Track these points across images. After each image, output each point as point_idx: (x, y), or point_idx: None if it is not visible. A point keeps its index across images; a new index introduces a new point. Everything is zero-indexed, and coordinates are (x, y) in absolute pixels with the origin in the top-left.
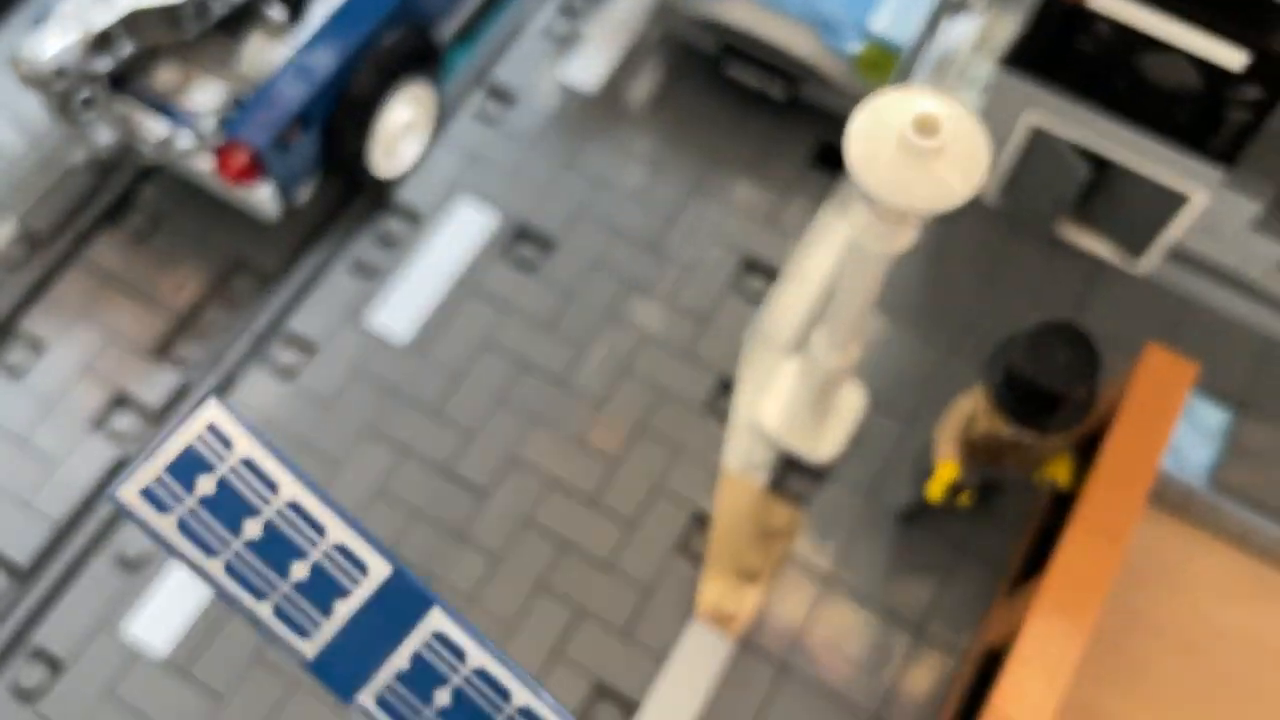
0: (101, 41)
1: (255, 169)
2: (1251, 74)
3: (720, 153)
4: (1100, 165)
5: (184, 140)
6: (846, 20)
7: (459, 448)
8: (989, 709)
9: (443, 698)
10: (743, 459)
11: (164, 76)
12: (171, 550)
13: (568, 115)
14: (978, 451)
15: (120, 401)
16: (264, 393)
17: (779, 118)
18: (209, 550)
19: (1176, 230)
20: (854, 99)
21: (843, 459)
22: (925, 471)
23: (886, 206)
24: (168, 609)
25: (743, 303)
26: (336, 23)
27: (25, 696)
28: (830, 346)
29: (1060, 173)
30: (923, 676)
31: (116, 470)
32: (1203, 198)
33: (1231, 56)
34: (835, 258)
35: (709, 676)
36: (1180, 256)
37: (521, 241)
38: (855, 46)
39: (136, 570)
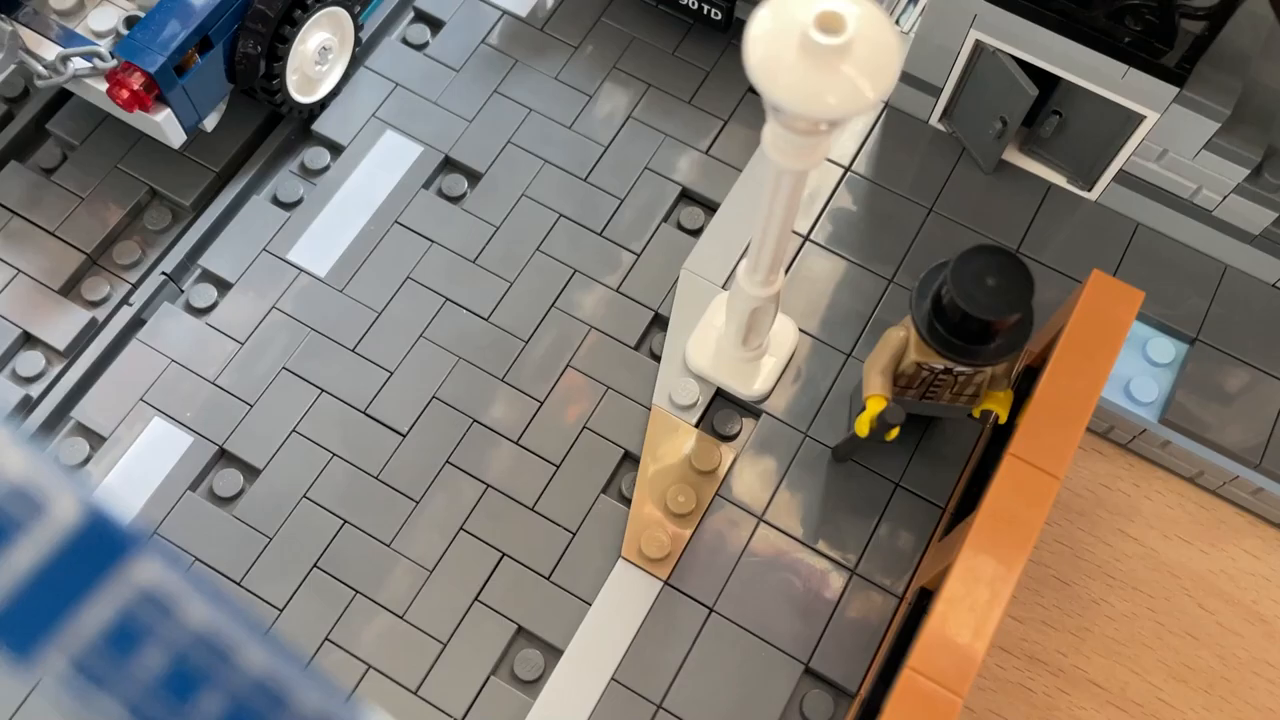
0: None
1: (150, 95)
2: None
3: (657, 79)
4: (1049, 84)
5: (77, 64)
6: None
7: (378, 386)
8: (907, 663)
9: (152, 661)
10: (672, 396)
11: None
12: None
13: (497, 40)
14: (909, 385)
15: (27, 340)
16: (176, 331)
17: (717, 41)
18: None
19: (1130, 152)
20: None
21: (776, 394)
22: (857, 407)
23: (792, 114)
24: None
25: (679, 235)
26: None
27: None
28: (754, 275)
29: (1009, 91)
30: (858, 617)
31: (24, 414)
32: (1155, 117)
33: None
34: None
35: (636, 618)
36: (1134, 181)
37: (447, 171)
38: None
39: None
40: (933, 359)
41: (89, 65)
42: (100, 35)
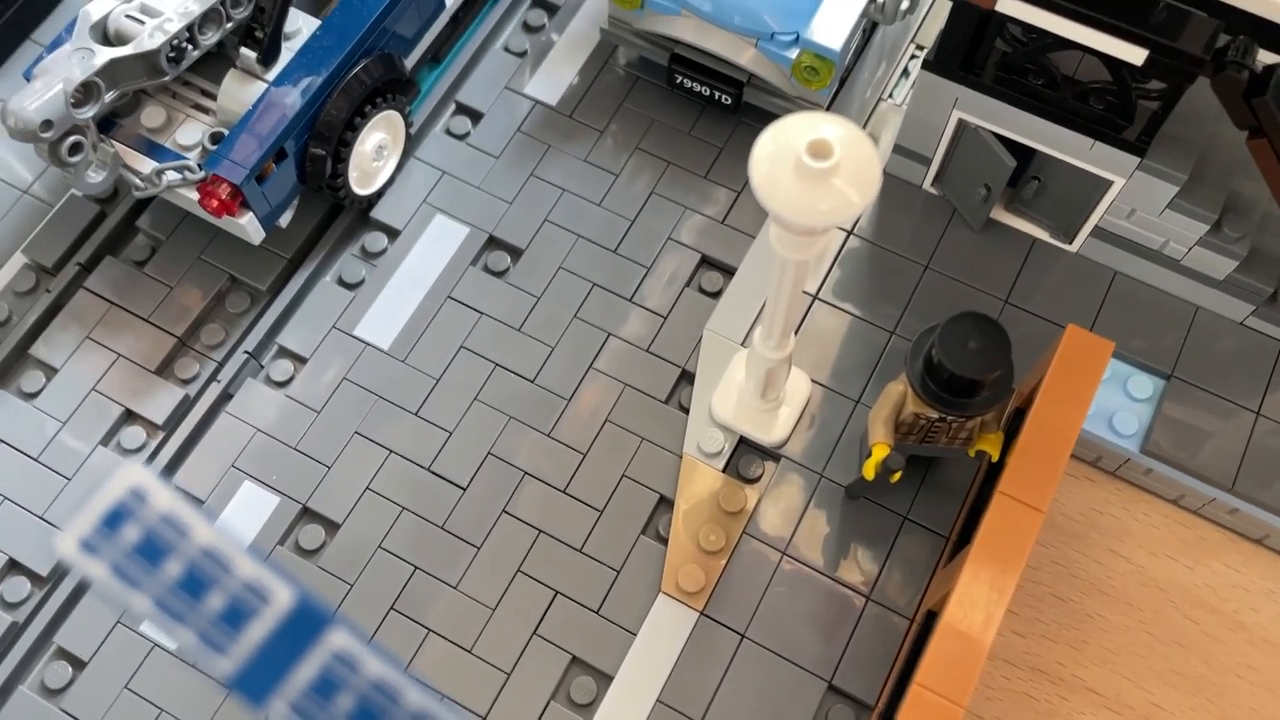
0: (84, 91)
1: (236, 201)
2: (1151, 67)
3: (675, 157)
4: (1027, 151)
5: (170, 176)
6: (783, 30)
7: (439, 445)
8: (915, 679)
9: (345, 704)
10: (701, 445)
11: (150, 116)
12: (104, 592)
13: (531, 128)
14: (910, 431)
15: (129, 417)
16: (260, 403)
17: (727, 122)
18: (137, 587)
19: (1102, 212)
20: (794, 101)
21: (793, 439)
22: (868, 451)
23: (788, 221)
24: None
25: (701, 298)
26: (304, 58)
27: (52, 694)
28: (767, 340)
29: (990, 162)
30: (875, 638)
31: None
32: (1121, 182)
33: (1132, 52)
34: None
35: (676, 646)
36: (1109, 236)
37: (491, 249)
38: (792, 54)
39: None
40: (927, 410)
41: (180, 177)
42: (187, 148)
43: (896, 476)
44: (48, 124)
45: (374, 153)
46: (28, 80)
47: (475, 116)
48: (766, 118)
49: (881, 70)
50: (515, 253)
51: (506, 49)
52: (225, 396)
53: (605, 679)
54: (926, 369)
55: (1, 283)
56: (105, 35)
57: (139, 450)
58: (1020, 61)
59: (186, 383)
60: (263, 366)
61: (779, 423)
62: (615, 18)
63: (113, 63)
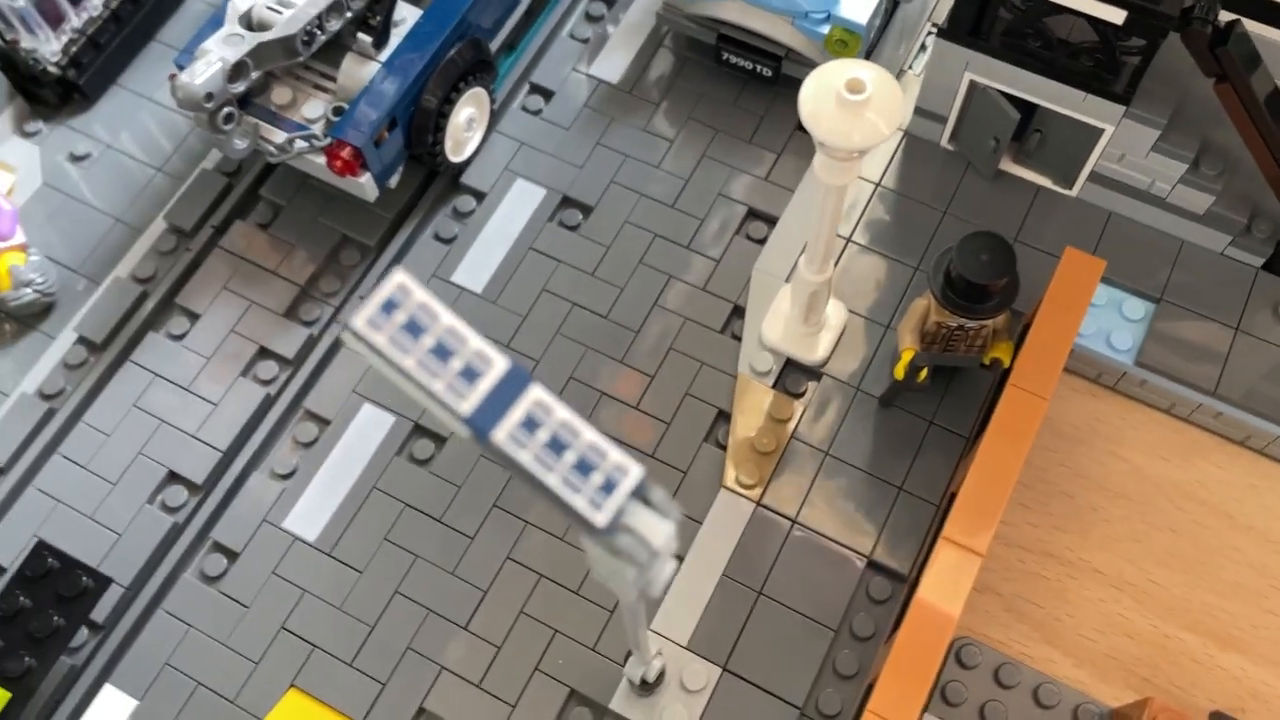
0: (237, 70)
1: (357, 162)
2: (1131, 27)
3: (722, 125)
4: (1029, 108)
5: (299, 144)
6: (815, 9)
7: (529, 369)
8: (942, 534)
9: (543, 436)
10: (752, 365)
11: (279, 94)
12: (382, 354)
13: (596, 103)
14: (933, 341)
15: (262, 353)
16: None
17: (769, 93)
18: (405, 352)
19: (1096, 158)
20: None
21: (833, 360)
22: (896, 360)
23: (832, 147)
24: (312, 507)
25: (748, 244)
26: (409, 44)
27: (209, 580)
28: (810, 266)
29: (997, 117)
30: (907, 520)
31: (266, 406)
32: (1111, 130)
33: (1113, 13)
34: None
35: (736, 531)
36: (1104, 180)
37: (565, 207)
38: (824, 29)
39: (285, 479)
40: (948, 318)
41: (307, 145)
42: (311, 121)
43: (923, 375)
44: (209, 96)
45: (465, 124)
46: (180, 67)
47: (547, 95)
48: (800, 86)
49: (903, 47)
50: (586, 210)
51: (572, 36)
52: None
53: (677, 560)
54: (946, 281)
55: (147, 244)
56: (250, 23)
57: (273, 381)
58: (1020, 27)
59: (309, 324)
60: None
61: (820, 345)
62: (669, 3)
63: (259, 45)
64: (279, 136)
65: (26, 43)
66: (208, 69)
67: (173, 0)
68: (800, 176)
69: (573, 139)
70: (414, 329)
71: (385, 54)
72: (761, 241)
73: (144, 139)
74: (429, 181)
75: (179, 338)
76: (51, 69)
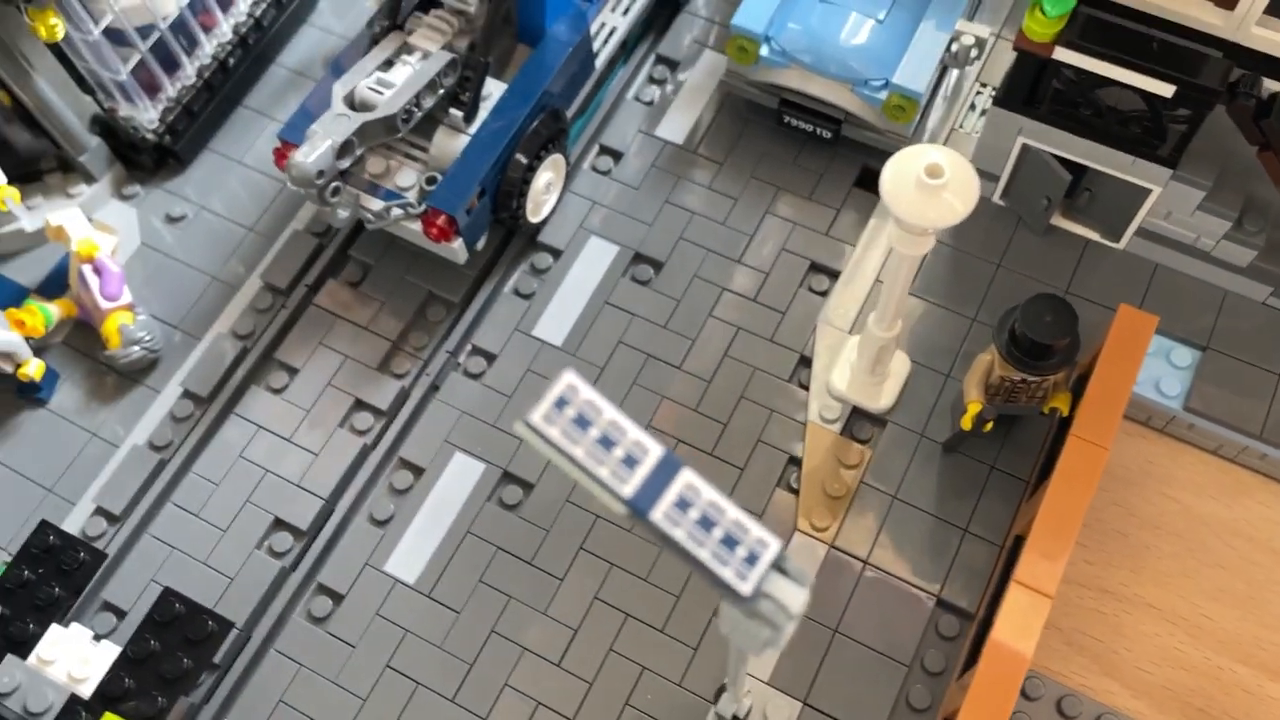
0: (344, 148)
1: (452, 229)
2: (1179, 99)
3: (783, 182)
4: (1080, 168)
5: (395, 211)
6: (874, 76)
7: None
8: (1014, 577)
9: (694, 514)
10: (821, 413)
11: (373, 165)
12: (556, 445)
13: (662, 163)
14: (996, 393)
15: (358, 405)
16: (462, 391)
17: (826, 152)
18: (575, 443)
19: (1143, 215)
20: (884, 134)
21: (897, 408)
22: (960, 411)
23: (910, 225)
24: (411, 551)
25: (811, 296)
26: (496, 117)
27: (317, 621)
28: (880, 324)
29: (1049, 178)
30: (971, 563)
31: (363, 455)
32: (1158, 190)
33: (1162, 88)
34: (877, 260)
35: (811, 572)
36: (1150, 235)
37: (637, 263)
38: (882, 95)
39: (383, 525)
40: (1011, 373)
41: (402, 212)
42: (404, 189)
43: (989, 426)
44: (320, 173)
45: (544, 188)
46: (281, 140)
47: (616, 155)
48: (858, 147)
49: (953, 107)
50: (657, 265)
51: (637, 99)
52: (433, 387)
53: None
54: (1010, 338)
55: (244, 302)
56: (353, 103)
57: (368, 431)
58: (1072, 96)
59: (400, 377)
60: (459, 363)
61: (885, 393)
62: (732, 70)
63: (364, 125)
64: (376, 205)
65: (125, 111)
66: (318, 149)
67: (257, 69)
68: (858, 231)
69: (642, 197)
70: (582, 422)
71: (473, 126)
72: (823, 294)
73: (234, 200)
74: (508, 240)
75: (279, 391)
76: (149, 136)
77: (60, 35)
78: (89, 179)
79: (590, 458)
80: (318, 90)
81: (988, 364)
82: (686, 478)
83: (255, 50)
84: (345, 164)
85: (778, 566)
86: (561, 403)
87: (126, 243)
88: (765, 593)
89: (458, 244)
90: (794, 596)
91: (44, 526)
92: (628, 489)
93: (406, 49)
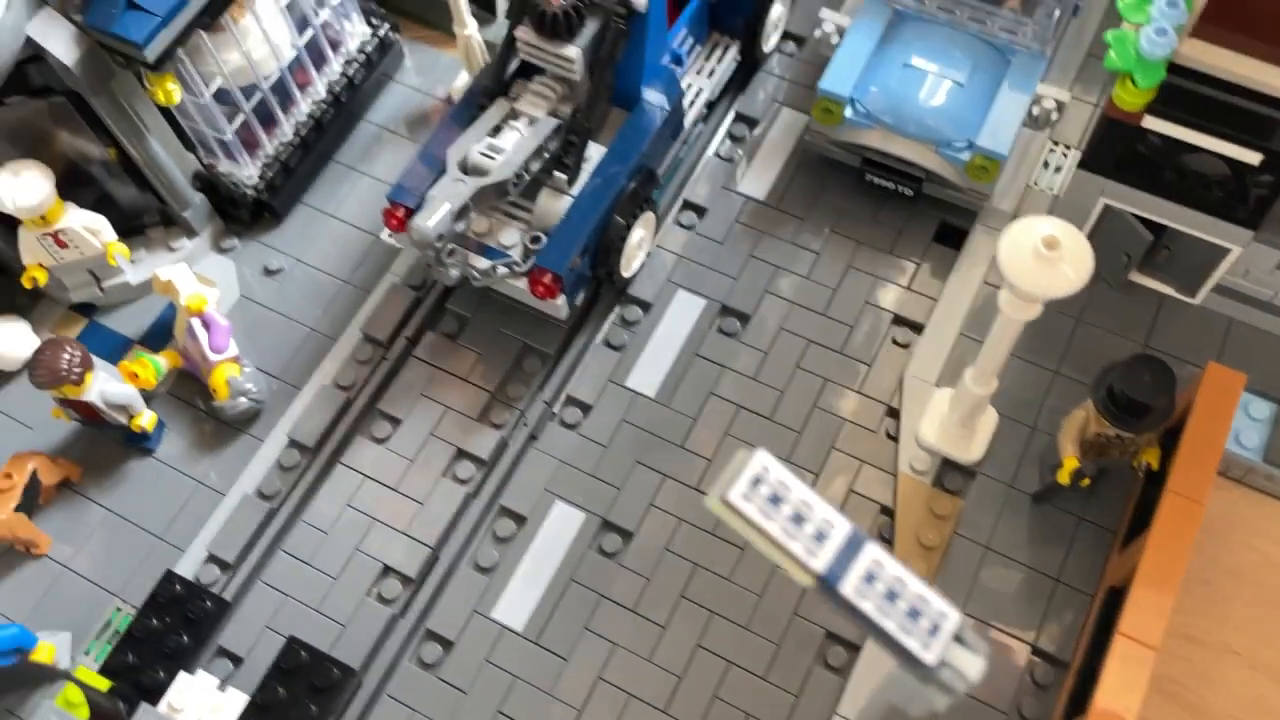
0: (460, 211)
1: (558, 287)
2: (1264, 166)
3: (864, 237)
4: (1159, 227)
5: (501, 270)
6: (957, 137)
7: (701, 469)
8: (1119, 630)
9: (880, 587)
10: (912, 464)
11: (478, 224)
12: (752, 522)
13: (745, 218)
14: (1090, 447)
15: (460, 454)
16: (559, 441)
17: (906, 208)
18: (769, 519)
19: (1222, 272)
20: (965, 192)
21: (985, 459)
22: (1051, 465)
23: (1025, 294)
24: (517, 598)
25: (896, 349)
26: (597, 179)
27: (427, 667)
28: (977, 381)
29: (1130, 236)
30: (1064, 612)
31: (466, 504)
32: (1238, 250)
33: (1250, 156)
34: (960, 316)
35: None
36: (1227, 291)
37: (724, 315)
38: (965, 156)
39: (488, 572)
40: (1106, 429)
41: (508, 270)
42: (508, 247)
43: (1086, 482)
44: (440, 236)
45: (637, 244)
46: (391, 201)
47: (700, 211)
48: (937, 204)
49: (1031, 167)
50: (744, 318)
51: (719, 155)
52: (531, 437)
53: (854, 648)
54: (1109, 396)
55: (345, 353)
56: (465, 168)
57: (469, 480)
58: (1157, 160)
59: (499, 427)
60: (555, 413)
61: (975, 445)
62: (815, 130)
63: (480, 190)
64: (483, 263)
65: (225, 168)
66: (439, 213)
67: (347, 125)
68: (939, 286)
69: (727, 252)
70: (775, 500)
71: (576, 188)
72: (906, 346)
73: (328, 253)
74: (598, 293)
75: (382, 440)
76: (248, 192)
77: (177, 100)
78: (190, 233)
79: (784, 533)
80: (425, 153)
81: (1082, 420)
82: (872, 552)
83: (347, 108)
84: (460, 227)
85: (956, 636)
86: (756, 481)
87: (226, 295)
88: (946, 662)
89: (561, 300)
90: (972, 665)
91: (170, 577)
92: (819, 563)
93: (513, 115)
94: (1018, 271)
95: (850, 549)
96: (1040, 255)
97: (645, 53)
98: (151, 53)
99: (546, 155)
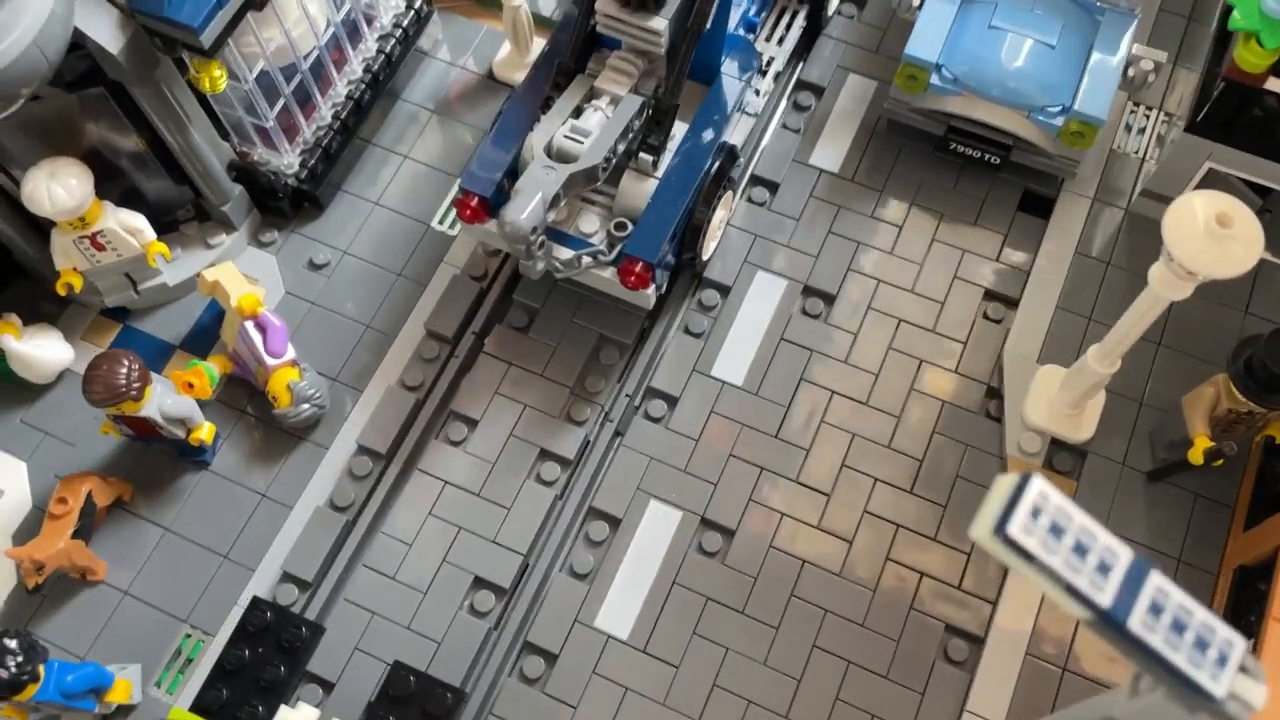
0: (554, 200)
1: (649, 276)
2: None
3: (946, 208)
4: (1264, 191)
5: (586, 260)
6: (1050, 102)
7: (799, 460)
8: (1271, 618)
9: (1166, 619)
10: (1021, 446)
11: (558, 213)
12: (1035, 557)
13: (821, 192)
14: (1219, 425)
15: (543, 455)
16: (646, 436)
17: (987, 176)
18: (1052, 553)
19: None
20: (1054, 159)
21: (1097, 438)
22: (1169, 442)
23: (1191, 270)
24: (618, 605)
25: (990, 325)
26: (682, 160)
27: (531, 682)
28: (1103, 360)
29: None
30: (1188, 589)
31: (555, 507)
32: None
33: None
34: (1056, 289)
35: (1031, 614)
36: None
37: (808, 296)
38: (1059, 121)
39: (586, 578)
40: (1240, 405)
41: (592, 260)
42: (589, 235)
43: (1220, 462)
44: (535, 229)
45: (717, 225)
46: (463, 190)
47: (772, 187)
48: (1019, 170)
49: (1118, 130)
50: (828, 298)
51: (785, 126)
52: (616, 433)
53: (977, 640)
54: (1246, 371)
55: (408, 350)
56: (551, 153)
57: (555, 482)
58: (1271, 122)
59: (581, 424)
60: (639, 406)
61: (1085, 424)
62: (895, 98)
63: (571, 176)
64: (566, 253)
65: (260, 156)
66: (530, 204)
67: (384, 105)
68: (1029, 256)
69: (804, 229)
70: (1056, 530)
71: (660, 169)
72: (999, 322)
73: (377, 243)
74: (673, 278)
75: (459, 443)
76: (289, 181)
77: (223, 87)
78: (229, 228)
79: (1068, 567)
80: (498, 137)
81: (1212, 396)
82: (1156, 581)
83: (384, 87)
84: (552, 217)
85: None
86: (1036, 512)
87: (270, 293)
88: (1235, 694)
89: (650, 290)
90: (1257, 693)
91: (257, 603)
92: (1105, 598)
93: (593, 94)
94: (1187, 249)
95: (1134, 578)
96: (1213, 233)
97: (725, 21)
98: (208, 38)
99: (632, 135)
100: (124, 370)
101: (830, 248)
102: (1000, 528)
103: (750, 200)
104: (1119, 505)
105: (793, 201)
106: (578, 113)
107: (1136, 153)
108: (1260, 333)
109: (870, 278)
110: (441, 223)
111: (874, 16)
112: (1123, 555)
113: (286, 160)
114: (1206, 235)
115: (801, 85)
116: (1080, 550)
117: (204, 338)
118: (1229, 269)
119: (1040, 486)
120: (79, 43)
